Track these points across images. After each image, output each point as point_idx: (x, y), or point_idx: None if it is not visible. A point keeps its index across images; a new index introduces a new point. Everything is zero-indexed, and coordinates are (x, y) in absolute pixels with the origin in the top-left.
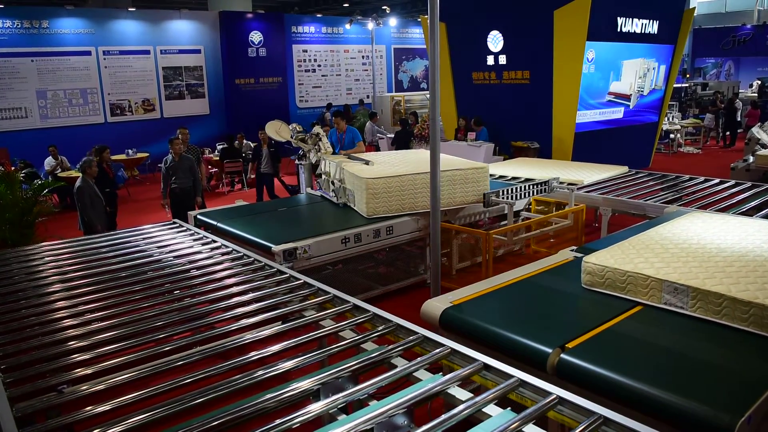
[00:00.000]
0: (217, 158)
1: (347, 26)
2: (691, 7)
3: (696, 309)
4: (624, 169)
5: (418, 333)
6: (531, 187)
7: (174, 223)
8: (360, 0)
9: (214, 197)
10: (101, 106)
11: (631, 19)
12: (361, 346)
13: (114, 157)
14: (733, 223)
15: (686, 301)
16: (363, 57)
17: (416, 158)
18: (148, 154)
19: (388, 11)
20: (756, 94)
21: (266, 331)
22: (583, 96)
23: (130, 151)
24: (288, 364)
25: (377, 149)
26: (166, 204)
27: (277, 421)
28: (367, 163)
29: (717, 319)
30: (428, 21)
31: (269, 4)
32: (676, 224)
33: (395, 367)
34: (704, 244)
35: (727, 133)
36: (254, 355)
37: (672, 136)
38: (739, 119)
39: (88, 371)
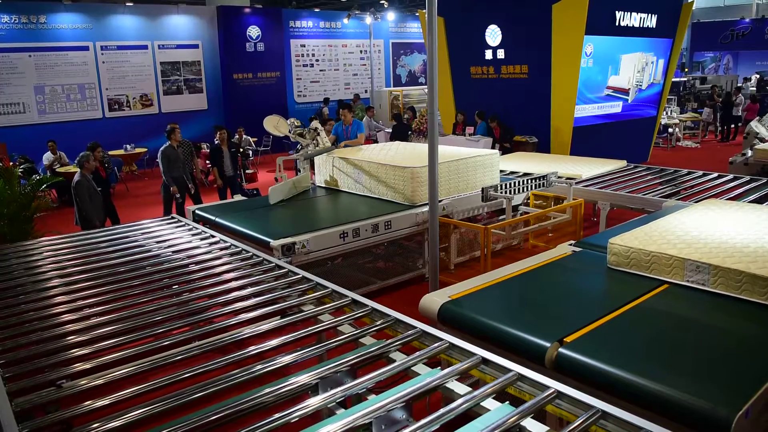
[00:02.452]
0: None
1: (345, 21)
2: (689, 0)
3: (717, 285)
4: (622, 163)
5: (416, 327)
6: (529, 181)
7: (172, 218)
8: None
9: (212, 192)
10: (99, 102)
11: (629, 13)
12: (360, 340)
13: (112, 153)
14: (747, 210)
15: (707, 278)
16: (361, 52)
17: (412, 150)
18: (146, 150)
19: (386, 6)
20: (754, 88)
21: (265, 326)
22: (581, 90)
23: (128, 146)
24: (286, 359)
25: (375, 143)
26: (176, 190)
27: (276, 416)
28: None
29: (737, 294)
30: (426, 15)
31: None
32: (693, 211)
33: (394, 361)
34: (721, 228)
35: (724, 127)
36: (253, 349)
37: (670, 130)
38: (739, 113)
39: (87, 366)
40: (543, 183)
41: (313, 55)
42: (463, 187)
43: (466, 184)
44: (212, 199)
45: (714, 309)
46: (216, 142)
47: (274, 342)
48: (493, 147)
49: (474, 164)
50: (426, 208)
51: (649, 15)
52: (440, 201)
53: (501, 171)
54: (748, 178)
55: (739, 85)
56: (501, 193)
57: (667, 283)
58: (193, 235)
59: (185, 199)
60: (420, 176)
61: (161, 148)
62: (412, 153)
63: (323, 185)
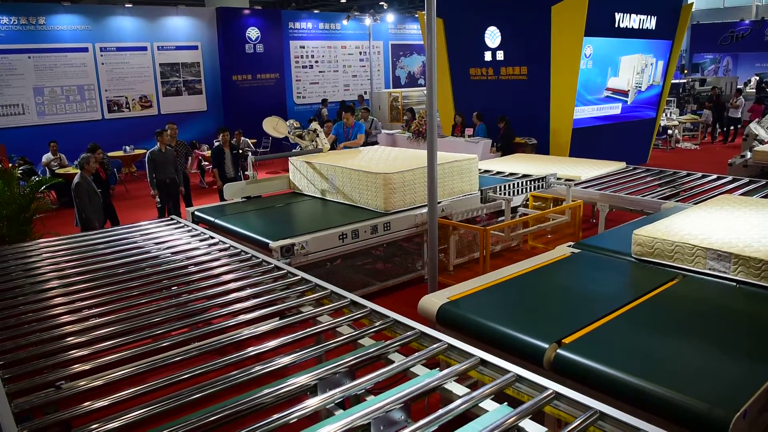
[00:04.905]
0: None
1: (344, 22)
2: (689, 2)
3: (737, 273)
4: (621, 165)
5: (415, 328)
6: (528, 183)
7: (171, 219)
8: None
9: (211, 193)
10: (98, 103)
11: (628, 14)
12: (359, 341)
13: (111, 154)
14: (762, 205)
15: (728, 266)
16: (360, 53)
17: (388, 155)
18: (145, 151)
19: (385, 7)
20: (753, 90)
21: (264, 327)
22: (580, 92)
23: (127, 147)
24: (285, 360)
25: (375, 144)
26: (156, 194)
27: (275, 416)
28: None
29: (756, 281)
30: (425, 17)
31: (266, 0)
32: (711, 206)
33: (392, 362)
34: (739, 220)
35: (715, 126)
36: (252, 350)
37: (670, 131)
38: (739, 115)
39: (86, 367)
40: (542, 184)
41: (313, 56)
42: (439, 194)
43: (442, 190)
44: (213, 200)
45: (713, 310)
46: (217, 143)
47: (273, 343)
48: (493, 146)
49: (450, 170)
50: (403, 215)
51: (649, 16)
52: (413, 209)
53: (500, 172)
54: (747, 179)
55: (739, 87)
56: (500, 194)
57: (670, 282)
58: (192, 236)
59: (177, 202)
60: (393, 183)
61: (148, 151)
62: (387, 157)
63: (297, 191)
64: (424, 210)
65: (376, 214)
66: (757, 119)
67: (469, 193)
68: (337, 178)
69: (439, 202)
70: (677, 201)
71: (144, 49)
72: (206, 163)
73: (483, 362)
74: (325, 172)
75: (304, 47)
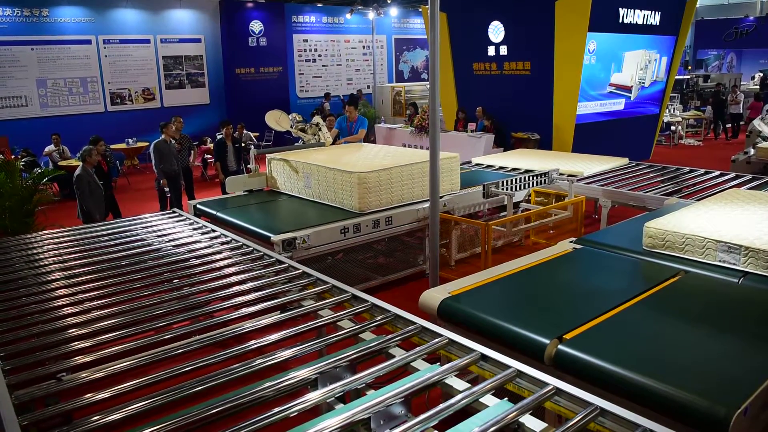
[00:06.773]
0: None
1: (348, 16)
2: None
3: (747, 265)
4: (624, 160)
5: (416, 323)
6: (531, 178)
7: (173, 212)
8: None
9: (213, 186)
10: (101, 95)
11: (632, 10)
12: (360, 335)
13: (114, 146)
14: None
15: (738, 258)
16: (364, 47)
17: (368, 151)
18: (148, 144)
19: (389, 1)
20: (758, 86)
21: (265, 321)
22: (584, 87)
23: (130, 140)
24: (286, 353)
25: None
26: (166, 184)
27: (276, 410)
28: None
29: (766, 272)
30: (429, 11)
31: None
32: (720, 200)
33: (393, 357)
34: (748, 214)
35: (718, 122)
36: (253, 344)
37: (673, 128)
38: (740, 111)
39: (88, 359)
40: (544, 180)
41: (316, 50)
42: (418, 194)
43: (421, 189)
44: (215, 193)
45: (715, 306)
46: (220, 136)
47: (274, 336)
48: (495, 143)
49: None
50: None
51: (653, 12)
52: (389, 209)
53: (502, 168)
54: (750, 176)
55: (742, 82)
56: (502, 189)
57: (672, 278)
58: (194, 229)
59: (180, 193)
60: (368, 182)
61: (153, 142)
62: (367, 155)
63: (276, 189)
64: (426, 205)
65: (353, 214)
66: (760, 116)
67: (451, 192)
68: (313, 177)
69: (441, 197)
70: (680, 197)
71: (147, 41)
72: (209, 156)
73: (484, 357)
74: (301, 169)
75: (307, 41)
